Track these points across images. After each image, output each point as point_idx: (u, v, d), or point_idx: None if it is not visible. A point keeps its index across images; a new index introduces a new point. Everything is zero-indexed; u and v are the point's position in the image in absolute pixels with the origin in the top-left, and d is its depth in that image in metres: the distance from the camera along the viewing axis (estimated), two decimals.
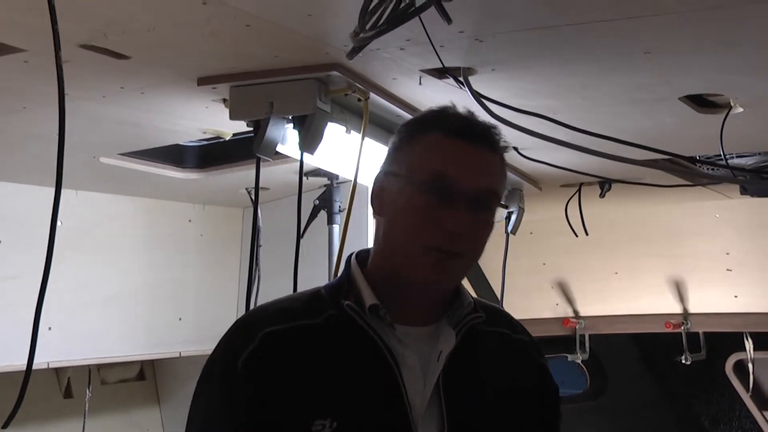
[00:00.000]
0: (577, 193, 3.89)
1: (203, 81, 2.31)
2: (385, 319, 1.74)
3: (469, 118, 1.82)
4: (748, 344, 4.87)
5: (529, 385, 1.97)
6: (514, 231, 3.68)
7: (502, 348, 1.95)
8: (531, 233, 4.12)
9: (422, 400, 1.74)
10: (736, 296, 4.66)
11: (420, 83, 2.30)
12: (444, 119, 1.79)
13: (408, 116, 2.59)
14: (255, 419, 1.71)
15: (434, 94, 2.42)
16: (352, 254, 1.89)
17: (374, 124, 2.50)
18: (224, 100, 2.41)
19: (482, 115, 2.41)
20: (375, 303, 1.74)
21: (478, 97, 2.32)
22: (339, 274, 1.91)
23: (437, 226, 1.71)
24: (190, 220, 3.54)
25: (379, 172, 1.84)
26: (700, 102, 2.61)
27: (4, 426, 1.92)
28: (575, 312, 4.92)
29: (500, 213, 3.53)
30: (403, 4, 1.65)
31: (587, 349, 4.85)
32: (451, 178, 1.73)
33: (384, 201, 1.81)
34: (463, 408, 1.78)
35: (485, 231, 1.79)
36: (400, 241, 1.77)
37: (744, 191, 3.54)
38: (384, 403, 1.72)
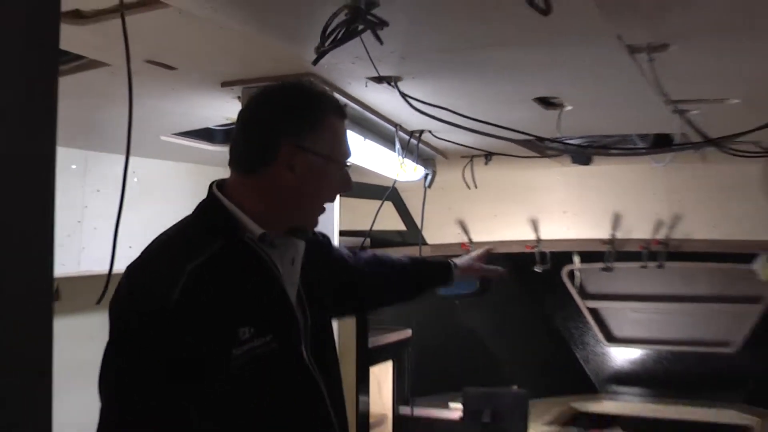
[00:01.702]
0: (470, 162, 3.85)
1: (225, 84, 2.26)
2: (269, 243, 1.60)
3: (338, 99, 1.70)
4: (576, 259, 4.89)
5: (318, 246, 1.90)
6: (429, 186, 3.66)
7: (317, 245, 1.87)
8: (442, 188, 4.07)
9: (292, 294, 1.65)
10: (568, 228, 4.66)
11: (366, 86, 2.25)
12: (331, 101, 1.65)
13: (359, 109, 2.54)
14: (196, 341, 1.45)
15: (376, 94, 2.37)
16: (212, 186, 1.65)
17: None
18: (239, 97, 2.35)
19: (406, 110, 2.38)
20: (264, 232, 1.59)
21: (404, 96, 2.28)
22: (202, 207, 1.66)
23: (338, 187, 1.65)
24: (215, 177, 3.49)
25: (291, 143, 1.60)
26: (545, 102, 2.58)
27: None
28: (470, 239, 4.90)
29: (420, 173, 3.51)
30: (350, 29, 1.60)
31: None
32: (347, 152, 1.66)
33: (299, 170, 1.61)
34: (311, 294, 1.69)
35: None
36: (309, 203, 1.65)
37: (574, 161, 3.52)
38: (278, 305, 1.61)
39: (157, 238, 1.61)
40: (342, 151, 1.65)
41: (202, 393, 1.48)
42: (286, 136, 1.60)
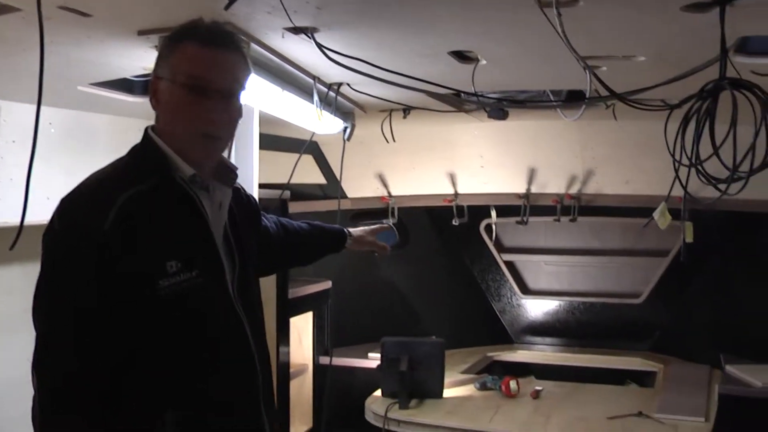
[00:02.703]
0: (389, 116, 3.87)
1: (141, 33, 2.22)
2: (199, 184, 1.69)
3: (214, 29, 1.71)
4: (493, 213, 5.00)
5: (251, 209, 2.04)
6: (348, 139, 3.68)
7: (240, 195, 1.97)
8: (361, 142, 4.10)
9: (219, 235, 1.73)
10: (485, 183, 4.76)
11: (283, 37, 2.26)
12: (196, 30, 1.68)
13: (277, 60, 2.55)
14: (125, 269, 1.56)
15: (293, 45, 2.37)
16: (147, 129, 1.75)
17: (254, 65, 2.45)
18: (156, 46, 2.29)
19: (325, 62, 2.41)
20: (194, 173, 1.68)
21: (321, 47, 2.29)
22: (137, 147, 1.74)
23: (200, 116, 1.65)
24: (139, 129, 3.43)
25: (154, 75, 1.71)
26: (461, 56, 2.63)
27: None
28: (389, 192, 4.95)
29: (339, 126, 3.53)
30: None
31: (396, 216, 4.88)
32: (204, 78, 1.65)
33: (158, 99, 1.70)
34: (237, 235, 1.80)
35: (237, 115, 1.74)
36: (176, 129, 1.69)
37: (490, 116, 3.59)
38: (203, 242, 1.69)
39: (92, 173, 1.68)
40: (194, 74, 1.65)
41: (129, 318, 1.58)
42: (154, 69, 1.72)
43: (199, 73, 1.65)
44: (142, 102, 3.15)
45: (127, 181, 1.63)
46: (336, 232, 2.57)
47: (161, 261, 1.60)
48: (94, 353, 1.56)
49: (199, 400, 1.68)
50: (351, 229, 2.62)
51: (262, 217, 2.21)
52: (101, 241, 1.54)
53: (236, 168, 1.85)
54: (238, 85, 1.72)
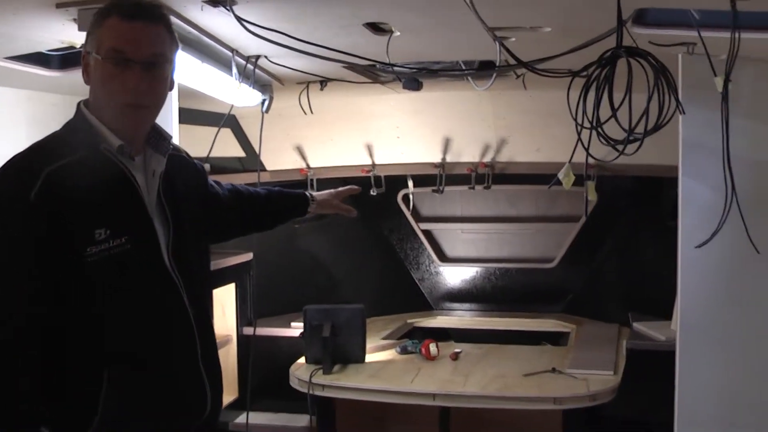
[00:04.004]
0: (306, 88, 3.93)
1: (60, 5, 2.24)
2: (127, 154, 1.76)
3: (138, 2, 1.76)
4: (410, 183, 5.12)
5: (196, 176, 2.10)
6: (267, 111, 3.71)
7: (182, 162, 2.03)
8: (279, 115, 4.14)
9: (151, 203, 1.80)
10: (402, 153, 4.87)
11: (202, 9, 2.31)
12: (120, 4, 1.75)
13: (196, 33, 2.59)
14: (52, 238, 1.64)
15: (212, 17, 2.42)
16: (80, 104, 1.83)
17: None
18: (75, 19, 2.33)
19: (243, 34, 2.46)
20: (121, 144, 1.75)
21: (239, 19, 2.34)
22: (68, 121, 1.84)
23: (122, 88, 1.72)
24: (54, 105, 3.40)
25: (83, 51, 1.79)
26: (375, 28, 2.71)
27: None
28: (307, 165, 5.01)
29: (257, 99, 3.58)
30: None
31: (315, 188, 4.91)
32: (124, 51, 1.72)
33: (88, 73, 1.78)
34: (174, 202, 1.87)
35: (162, 85, 1.81)
36: (103, 101, 1.76)
37: (405, 86, 3.67)
38: (134, 211, 1.78)
39: (28, 146, 1.75)
40: (115, 47, 1.72)
41: (61, 283, 1.65)
42: (84, 44, 1.80)
43: (119, 46, 1.72)
44: (60, 76, 3.14)
45: (56, 153, 1.71)
46: (297, 196, 2.58)
47: (89, 229, 1.68)
48: (26, 317, 1.64)
49: (135, 360, 1.76)
50: (315, 193, 2.62)
51: (214, 184, 2.27)
52: (27, 210, 1.62)
53: (170, 137, 1.92)
54: (160, 55, 1.79)
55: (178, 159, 2.01)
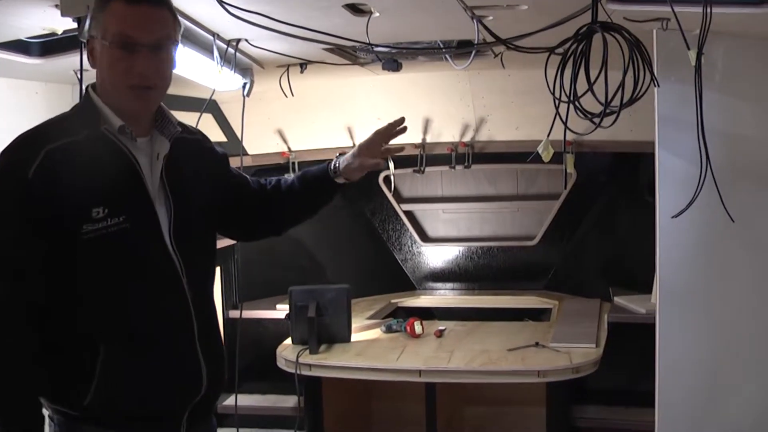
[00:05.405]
0: (286, 71, 3.95)
1: None
2: (129, 135, 1.81)
3: None
4: (391, 164, 5.09)
5: (214, 162, 2.11)
6: (248, 95, 3.74)
7: (196, 147, 2.05)
8: (260, 99, 4.16)
9: (154, 185, 1.84)
10: None
11: None
12: None
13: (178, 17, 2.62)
14: (49, 214, 1.70)
15: (193, 1, 2.44)
16: (88, 87, 1.89)
17: None
18: (56, 5, 2.35)
19: (224, 17, 2.49)
20: (122, 124, 1.80)
21: (220, 2, 2.38)
22: (76, 104, 1.91)
23: (129, 71, 1.77)
24: (37, 93, 3.41)
25: (87, 36, 1.83)
26: (355, 9, 2.75)
27: None
28: (289, 148, 5.04)
29: (238, 83, 3.61)
30: None
31: (297, 171, 4.91)
32: (132, 36, 1.75)
33: (94, 57, 1.82)
34: (181, 189, 1.90)
35: (169, 66, 1.84)
36: (110, 84, 1.81)
37: (384, 68, 3.70)
38: (134, 191, 1.82)
39: (33, 126, 1.81)
40: (121, 32, 1.76)
41: (57, 258, 1.73)
42: (88, 29, 1.83)
43: (126, 31, 1.76)
44: (41, 63, 3.16)
45: (60, 132, 1.76)
46: (319, 178, 2.28)
47: (87, 207, 1.73)
48: (22, 288, 1.71)
49: (129, 336, 1.81)
50: (340, 161, 2.30)
51: (250, 181, 2.22)
52: (25, 186, 1.68)
53: (177, 121, 1.95)
54: (166, 37, 1.82)
55: (192, 143, 2.02)
